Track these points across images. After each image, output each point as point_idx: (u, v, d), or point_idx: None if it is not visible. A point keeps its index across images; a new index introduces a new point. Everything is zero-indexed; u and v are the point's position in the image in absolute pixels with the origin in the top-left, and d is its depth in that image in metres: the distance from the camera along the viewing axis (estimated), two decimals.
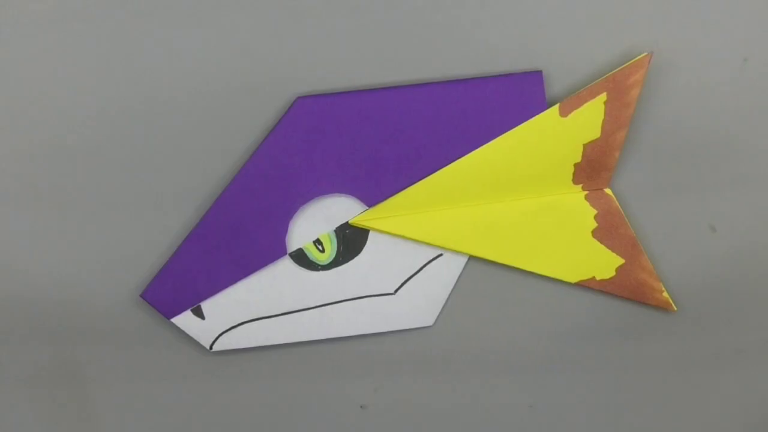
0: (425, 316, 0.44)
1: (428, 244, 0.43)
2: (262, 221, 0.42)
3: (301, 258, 0.43)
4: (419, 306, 0.44)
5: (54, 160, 0.42)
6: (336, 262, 0.43)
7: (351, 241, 0.43)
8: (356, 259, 0.43)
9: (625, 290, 0.43)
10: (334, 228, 0.42)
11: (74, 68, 0.41)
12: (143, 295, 0.42)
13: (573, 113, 0.41)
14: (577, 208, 0.43)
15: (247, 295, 0.43)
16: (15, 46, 0.41)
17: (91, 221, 0.43)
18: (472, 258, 0.43)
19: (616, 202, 0.42)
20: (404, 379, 0.45)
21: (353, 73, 0.41)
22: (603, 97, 0.41)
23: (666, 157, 0.43)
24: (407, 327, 0.44)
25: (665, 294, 0.43)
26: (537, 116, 0.41)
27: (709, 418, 0.45)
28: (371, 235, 0.43)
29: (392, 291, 0.43)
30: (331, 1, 0.41)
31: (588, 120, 0.41)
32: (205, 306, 0.43)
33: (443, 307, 0.44)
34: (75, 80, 0.41)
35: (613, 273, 0.43)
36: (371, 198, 0.42)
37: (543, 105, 0.41)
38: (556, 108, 0.41)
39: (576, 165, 0.42)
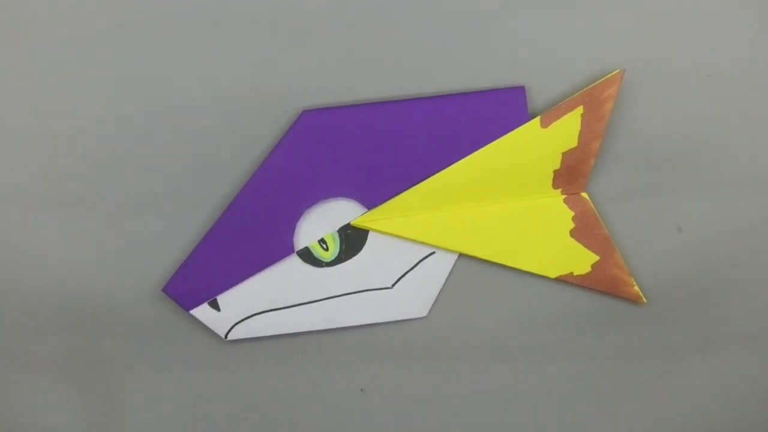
0: (419, 308, 0.44)
1: (422, 243, 0.43)
2: (271, 223, 0.42)
3: (307, 256, 0.43)
4: (414, 299, 0.43)
5: (87, 170, 0.42)
6: (339, 260, 0.43)
7: (352, 240, 0.43)
8: (357, 256, 0.43)
9: (599, 284, 0.43)
10: (337, 229, 0.42)
11: (104, 88, 0.41)
12: (165, 290, 0.42)
13: (553, 124, 0.41)
14: (556, 210, 0.43)
15: (259, 289, 0.43)
16: (52, 67, 0.41)
17: (118, 223, 0.43)
18: (461, 256, 0.43)
19: (592, 204, 0.43)
20: (400, 366, 0.45)
21: (353, 88, 0.42)
22: (580, 110, 0.41)
23: (637, 164, 0.43)
24: (403, 318, 0.44)
25: (636, 288, 0.43)
26: (520, 127, 0.41)
27: (675, 402, 0.45)
28: (370, 235, 0.43)
29: (389, 285, 0.43)
30: (333, 25, 0.41)
31: (566, 131, 0.41)
32: (221, 299, 0.43)
33: (436, 300, 0.44)
34: (106, 99, 0.41)
35: (588, 269, 0.43)
36: (370, 201, 0.42)
37: (526, 117, 0.41)
38: (537, 120, 0.41)
39: (555, 171, 0.42)
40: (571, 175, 0.42)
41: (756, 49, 0.42)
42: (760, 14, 0.41)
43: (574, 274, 0.43)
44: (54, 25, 0.41)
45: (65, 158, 0.42)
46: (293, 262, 0.43)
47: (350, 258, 0.43)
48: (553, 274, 0.43)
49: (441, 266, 0.43)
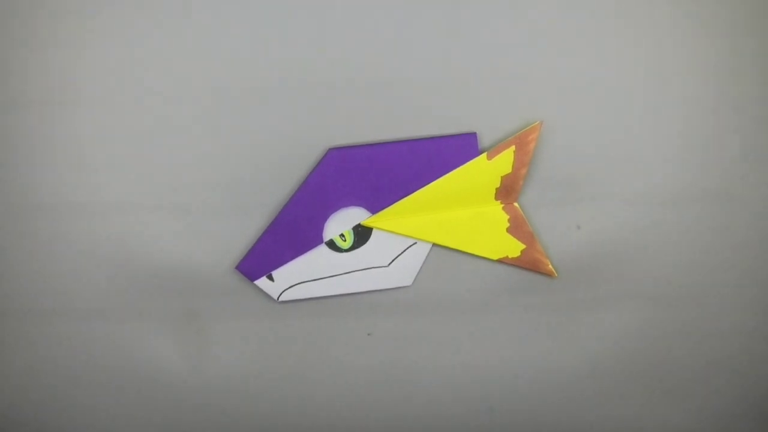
0: (407, 279, 0.49)
1: (408, 236, 0.48)
2: (308, 223, 0.47)
3: (332, 245, 0.48)
4: (403, 273, 0.49)
5: (189, 186, 0.47)
6: (353, 247, 0.48)
7: (362, 234, 0.48)
8: (365, 245, 0.48)
9: (526, 264, 0.49)
10: (352, 227, 0.48)
11: (197, 135, 0.47)
12: (238, 267, 0.48)
13: (495, 158, 0.47)
14: (497, 215, 0.48)
15: (300, 267, 0.48)
16: (166, 121, 0.47)
17: (208, 223, 0.48)
18: (434, 245, 0.49)
19: (521, 211, 0.48)
20: (394, 317, 0.50)
21: (362, 134, 0.47)
22: (513, 148, 0.47)
23: (550, 184, 0.48)
24: (396, 286, 0.49)
25: (550, 266, 0.49)
26: (473, 160, 0.47)
27: (576, 341, 0.51)
28: (374, 231, 0.48)
29: (386, 264, 0.49)
30: (348, 94, 0.46)
31: (504, 162, 0.47)
32: (275, 273, 0.48)
33: (417, 273, 0.49)
34: (199, 141, 0.47)
35: (519, 254, 0.49)
36: (374, 209, 0.48)
37: (477, 153, 0.47)
38: (485, 155, 0.47)
39: (496, 189, 0.48)
40: (507, 191, 0.47)
41: (628, 110, 0.47)
42: (634, 85, 0.47)
43: (509, 257, 0.49)
44: (165, 85, 0.46)
45: (176, 179, 0.47)
46: (322, 249, 0.48)
47: (360, 246, 0.48)
48: (495, 257, 0.49)
49: (420, 251, 0.49)
